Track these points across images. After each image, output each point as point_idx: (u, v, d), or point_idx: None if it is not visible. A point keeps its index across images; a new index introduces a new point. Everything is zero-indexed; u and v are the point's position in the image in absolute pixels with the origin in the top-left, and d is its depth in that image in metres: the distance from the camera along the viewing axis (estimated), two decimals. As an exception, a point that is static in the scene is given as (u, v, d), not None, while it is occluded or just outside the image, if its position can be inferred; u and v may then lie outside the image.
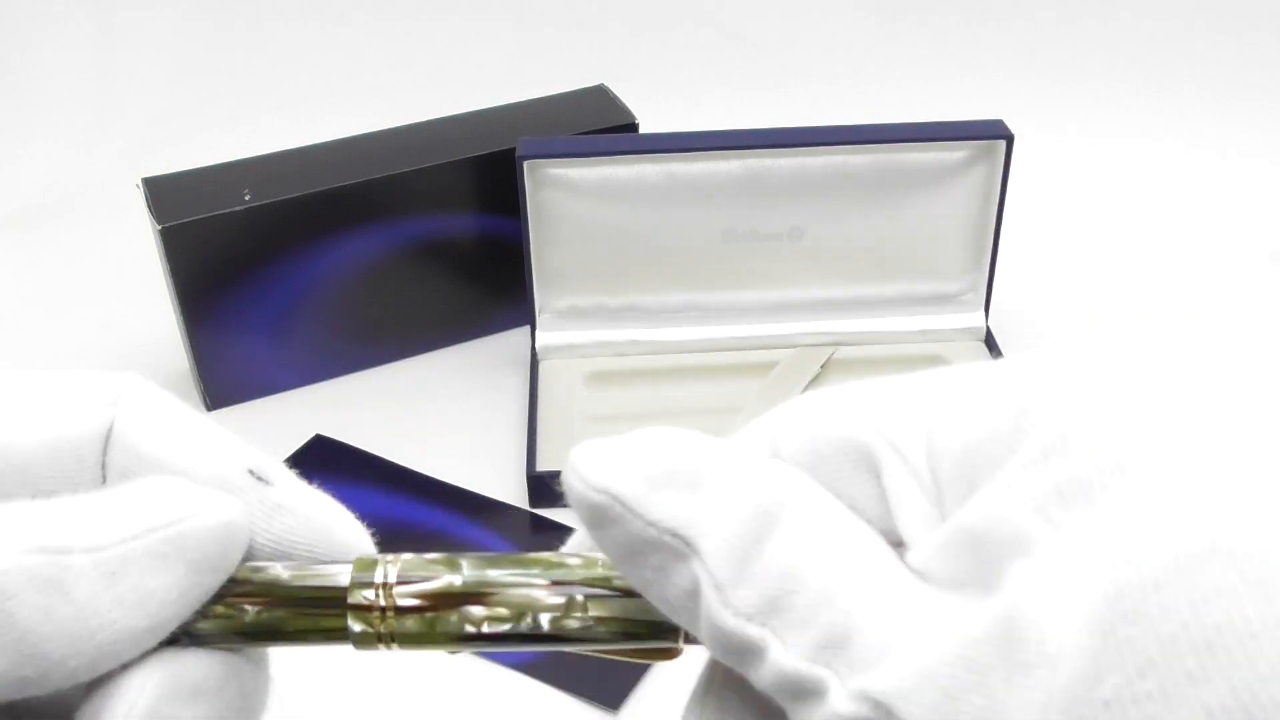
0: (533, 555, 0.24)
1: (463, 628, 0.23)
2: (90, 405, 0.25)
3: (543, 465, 0.60)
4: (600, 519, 0.21)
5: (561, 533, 0.58)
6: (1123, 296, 0.75)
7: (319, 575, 0.24)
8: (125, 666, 0.22)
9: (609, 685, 0.51)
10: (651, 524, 0.21)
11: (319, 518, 0.25)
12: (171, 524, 0.23)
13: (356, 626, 0.23)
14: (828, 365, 0.66)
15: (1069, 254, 0.78)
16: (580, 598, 0.23)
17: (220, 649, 0.24)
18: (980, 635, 0.18)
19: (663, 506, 0.21)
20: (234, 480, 0.25)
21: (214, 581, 0.23)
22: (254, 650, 0.26)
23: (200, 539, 0.23)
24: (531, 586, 0.23)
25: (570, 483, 0.22)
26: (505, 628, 0.23)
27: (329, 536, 0.25)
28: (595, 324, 0.67)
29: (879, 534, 0.21)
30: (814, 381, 0.65)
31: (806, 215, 0.65)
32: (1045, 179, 0.82)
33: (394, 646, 0.24)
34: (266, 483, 0.25)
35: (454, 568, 0.24)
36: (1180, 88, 0.95)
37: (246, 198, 0.62)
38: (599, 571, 0.23)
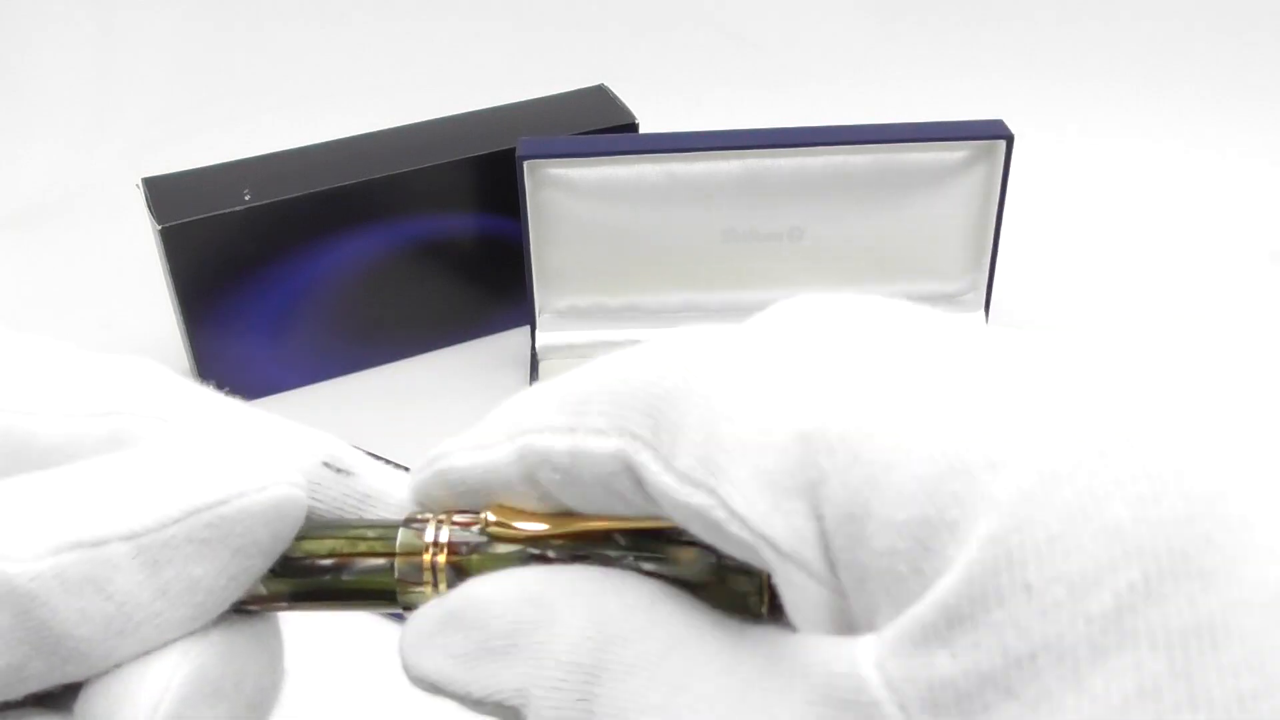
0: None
1: (526, 551, 0.22)
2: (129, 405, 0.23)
3: (543, 465, 0.60)
4: (435, 695, 0.21)
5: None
6: (1122, 296, 0.75)
7: (365, 530, 0.23)
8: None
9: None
10: (476, 702, 0.20)
11: (411, 507, 0.23)
12: (217, 504, 0.21)
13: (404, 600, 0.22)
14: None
15: (1069, 254, 0.78)
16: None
17: (248, 622, 0.22)
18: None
19: (479, 682, 0.20)
20: (310, 477, 0.23)
21: (264, 564, 0.22)
22: (272, 642, 0.24)
23: (249, 522, 0.21)
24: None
25: (403, 667, 0.22)
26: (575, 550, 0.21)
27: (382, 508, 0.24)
28: (595, 324, 0.67)
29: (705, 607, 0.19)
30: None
31: (806, 215, 0.65)
32: (1045, 179, 0.82)
33: (443, 572, 0.22)
34: (347, 473, 0.23)
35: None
36: (1180, 88, 0.95)
37: (246, 198, 0.62)
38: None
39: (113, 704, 0.20)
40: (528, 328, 0.68)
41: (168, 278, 0.62)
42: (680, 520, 0.19)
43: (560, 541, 0.21)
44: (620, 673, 0.18)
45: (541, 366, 0.67)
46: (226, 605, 0.21)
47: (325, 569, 0.22)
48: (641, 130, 0.68)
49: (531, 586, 0.20)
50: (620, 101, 0.70)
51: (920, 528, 0.16)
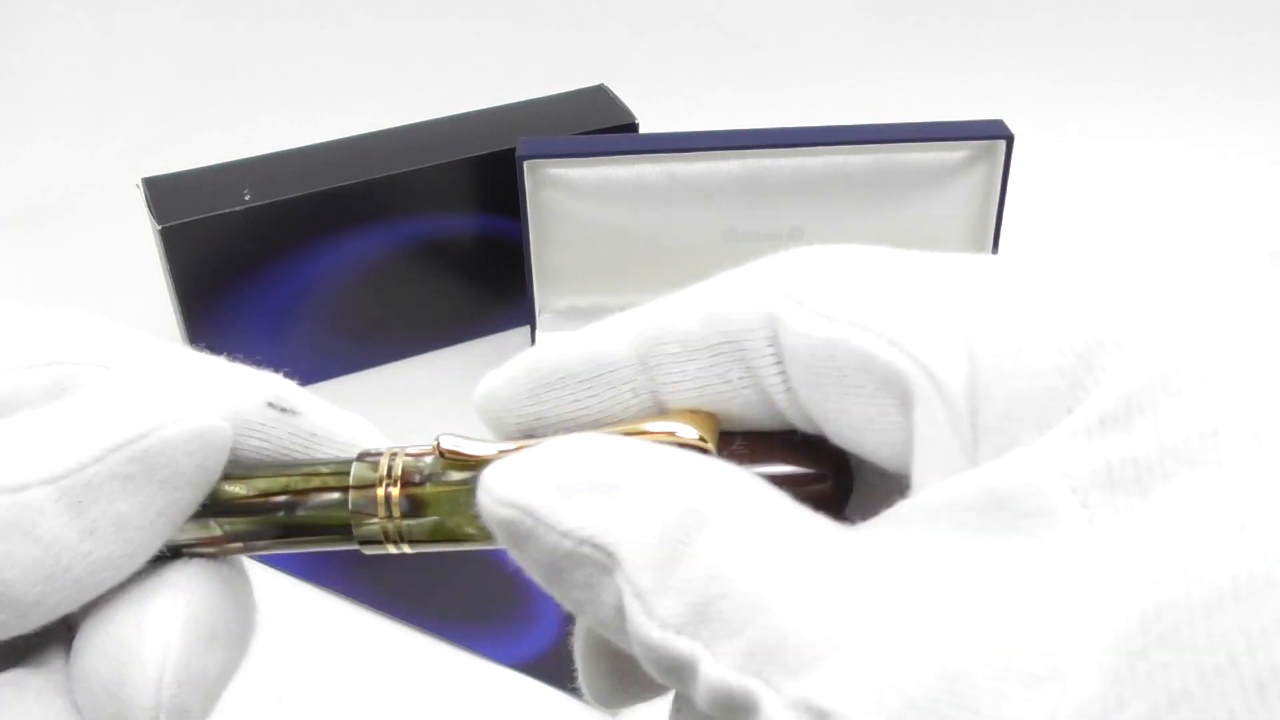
0: None
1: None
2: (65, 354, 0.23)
3: (543, 465, 0.60)
4: (515, 536, 0.19)
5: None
6: (1123, 296, 0.75)
7: (318, 466, 0.23)
8: (121, 596, 0.21)
9: (609, 685, 0.51)
10: (567, 535, 0.19)
11: (359, 439, 0.24)
12: (136, 439, 0.21)
13: (359, 500, 0.22)
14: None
15: (1069, 254, 0.78)
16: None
17: (215, 560, 0.23)
18: (970, 641, 0.15)
19: (577, 515, 0.19)
20: (254, 417, 0.23)
21: (193, 496, 0.22)
22: (243, 583, 0.24)
23: (170, 454, 0.21)
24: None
25: (480, 501, 0.20)
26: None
27: (329, 445, 0.24)
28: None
29: (829, 518, 0.18)
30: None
31: (806, 215, 0.65)
32: (1045, 179, 0.82)
33: (404, 541, 0.22)
34: (292, 412, 0.23)
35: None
36: (1180, 88, 0.95)
37: (246, 198, 0.62)
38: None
39: (115, 666, 0.21)
40: (528, 328, 0.68)
41: (168, 278, 0.62)
42: (824, 359, 0.19)
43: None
44: (723, 526, 0.18)
45: (541, 366, 0.67)
46: (160, 541, 0.21)
47: (279, 505, 0.22)
48: (641, 130, 0.68)
49: (640, 445, 0.20)
50: (620, 101, 0.70)
51: (1085, 346, 0.17)
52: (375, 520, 0.22)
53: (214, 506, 0.22)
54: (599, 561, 0.19)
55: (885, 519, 0.18)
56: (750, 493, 0.18)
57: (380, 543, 0.22)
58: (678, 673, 0.18)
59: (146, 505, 0.21)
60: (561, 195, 0.64)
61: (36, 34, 0.93)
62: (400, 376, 0.69)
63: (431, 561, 0.57)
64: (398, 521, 0.22)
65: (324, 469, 0.23)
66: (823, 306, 0.19)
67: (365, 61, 0.98)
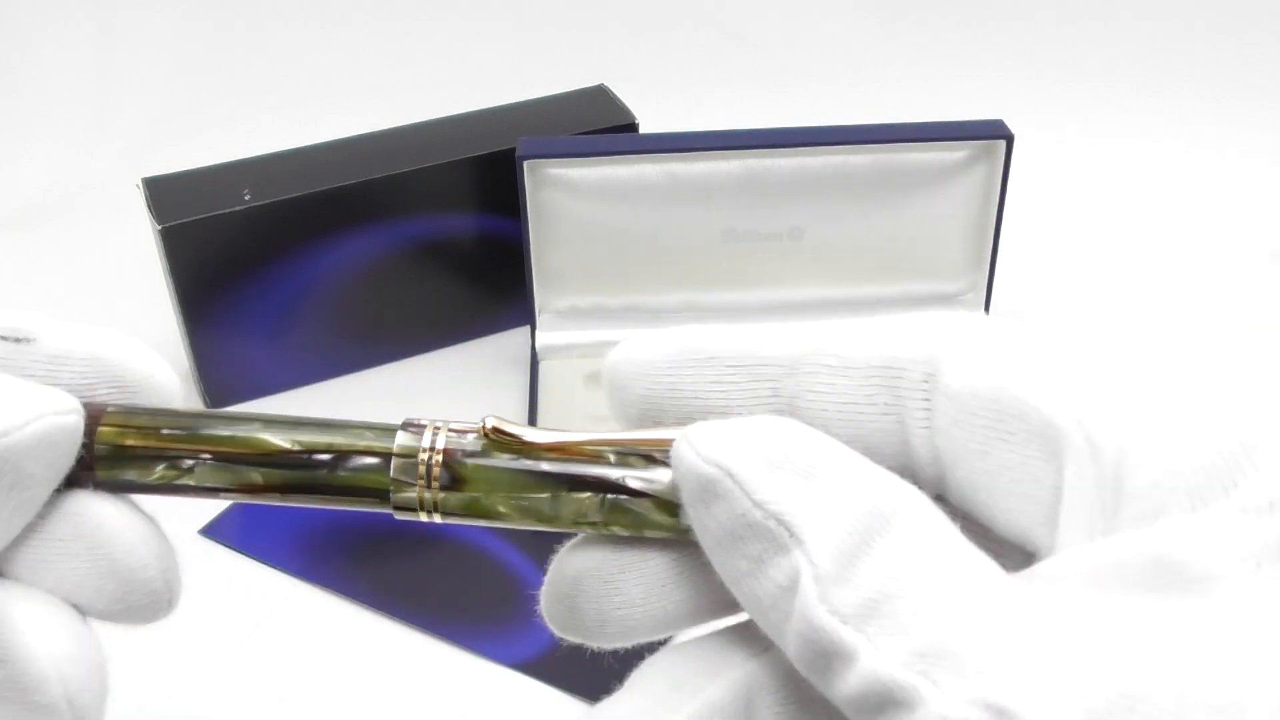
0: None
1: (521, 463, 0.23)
2: None
3: (543, 465, 0.60)
4: (707, 493, 0.20)
5: (565, 534, 0.58)
6: (1123, 296, 0.75)
7: (363, 429, 0.24)
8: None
9: (609, 685, 0.51)
10: (759, 504, 0.20)
11: (106, 354, 0.24)
12: None
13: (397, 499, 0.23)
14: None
15: (1069, 254, 0.78)
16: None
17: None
18: (1149, 670, 0.16)
19: (774, 488, 0.20)
20: None
21: (45, 491, 0.23)
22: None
23: (15, 461, 0.21)
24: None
25: (680, 453, 0.21)
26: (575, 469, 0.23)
27: (125, 372, 0.24)
28: (595, 324, 0.67)
29: (985, 550, 0.19)
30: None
31: (807, 215, 0.65)
32: (1045, 179, 0.82)
33: (437, 511, 0.23)
34: (29, 340, 0.23)
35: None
36: (1180, 88, 0.95)
37: (246, 198, 0.62)
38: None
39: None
40: (528, 328, 0.68)
41: (168, 278, 0.62)
42: (986, 401, 0.21)
43: (556, 455, 0.23)
44: (905, 533, 0.19)
45: (541, 366, 0.67)
46: (13, 535, 0.22)
47: (322, 464, 0.23)
48: (641, 130, 0.68)
49: (836, 442, 0.21)
50: (620, 101, 0.70)
51: (1248, 437, 0.19)
52: (414, 489, 0.23)
53: (254, 456, 0.23)
54: (779, 539, 0.19)
55: (1036, 573, 0.19)
56: (930, 512, 0.20)
57: (414, 510, 0.23)
58: (827, 661, 0.19)
59: None
60: (561, 195, 0.64)
61: (36, 34, 0.93)
62: (400, 376, 0.69)
63: (431, 562, 0.57)
64: (435, 493, 0.23)
65: (369, 433, 0.23)
66: (988, 356, 0.21)
67: (365, 61, 0.98)
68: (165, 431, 0.24)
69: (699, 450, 0.21)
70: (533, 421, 0.62)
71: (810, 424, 0.22)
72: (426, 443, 0.23)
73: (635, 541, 0.23)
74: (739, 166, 0.63)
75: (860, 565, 0.19)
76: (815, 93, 0.96)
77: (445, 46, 0.99)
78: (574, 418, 0.64)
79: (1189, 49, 0.99)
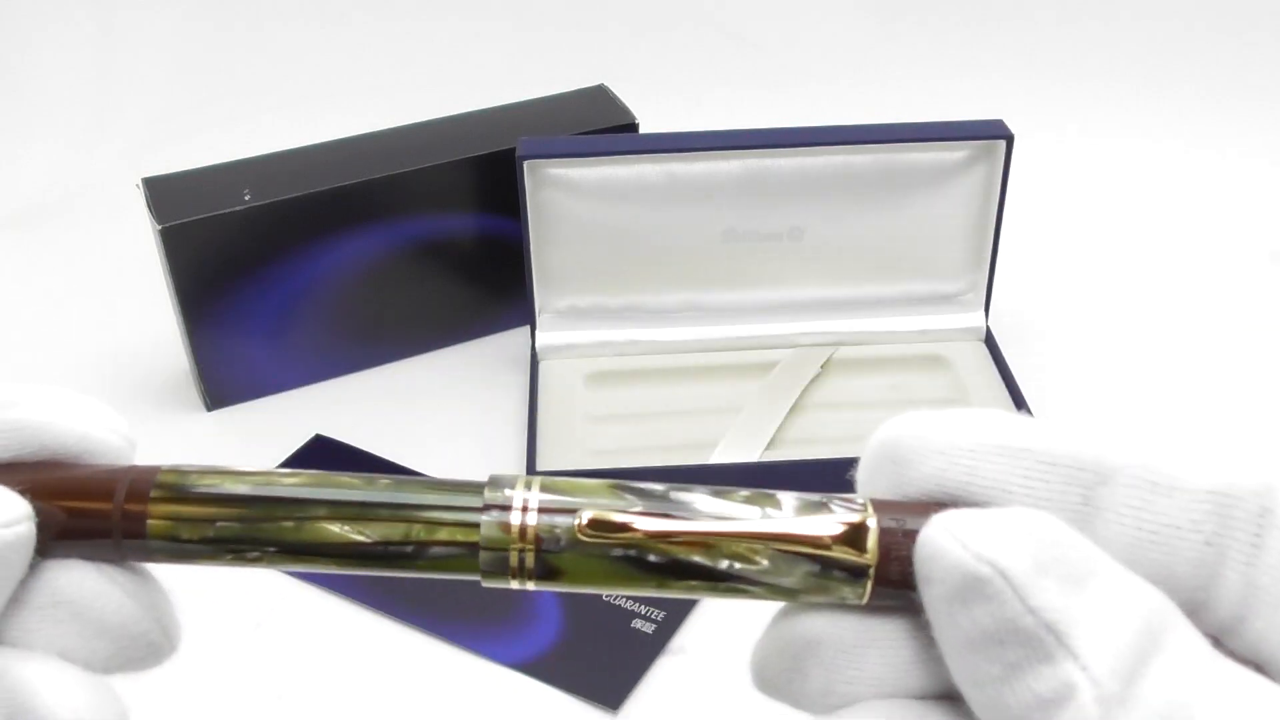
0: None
1: (636, 553, 0.21)
2: None
3: (542, 465, 0.60)
4: (971, 592, 0.19)
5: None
6: (1123, 296, 0.75)
7: (439, 510, 0.22)
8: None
9: (609, 685, 0.51)
10: (1033, 610, 0.18)
11: (29, 421, 0.22)
12: None
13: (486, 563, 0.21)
14: (828, 365, 0.66)
15: (1069, 254, 0.78)
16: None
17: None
18: None
19: (1049, 595, 0.18)
20: None
21: (3, 589, 0.21)
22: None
23: None
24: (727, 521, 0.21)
25: (942, 545, 0.19)
26: (689, 560, 0.21)
27: (54, 440, 0.22)
28: (595, 324, 0.67)
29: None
30: (814, 382, 0.65)
31: (807, 215, 0.65)
32: (1045, 179, 0.82)
33: (531, 574, 0.21)
34: None
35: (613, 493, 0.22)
36: (1180, 88, 0.95)
37: (246, 198, 0.62)
38: (789, 509, 0.21)
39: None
40: (528, 328, 0.68)
41: (168, 278, 0.62)
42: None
43: (664, 545, 0.21)
44: (1178, 651, 0.18)
45: (541, 366, 0.67)
46: None
47: (402, 555, 0.22)
48: (641, 130, 0.68)
49: (1093, 545, 0.20)
50: (620, 101, 0.70)
51: None
52: (505, 577, 0.22)
53: (326, 548, 0.22)
54: (1046, 649, 0.18)
55: None
56: (1193, 630, 0.19)
57: (505, 583, 0.22)
58: None
59: None
60: (561, 195, 0.64)
61: (36, 34, 0.93)
62: (400, 376, 0.69)
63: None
64: (529, 580, 0.22)
65: (448, 515, 0.22)
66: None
67: (365, 61, 0.98)
68: (221, 524, 0.22)
69: (968, 544, 0.19)
70: (532, 422, 0.63)
71: (1111, 542, 0.21)
72: (516, 523, 0.21)
73: (881, 612, 0.22)
74: (739, 166, 0.63)
75: (1140, 686, 0.18)
76: (815, 93, 0.96)
77: (445, 46, 0.99)
78: (574, 418, 0.64)
79: (1189, 49, 0.99)
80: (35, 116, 0.91)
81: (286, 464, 0.62)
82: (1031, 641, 0.18)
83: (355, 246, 0.65)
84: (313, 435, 0.64)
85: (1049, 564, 0.19)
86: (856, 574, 0.21)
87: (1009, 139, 0.62)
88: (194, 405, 0.66)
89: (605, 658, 0.52)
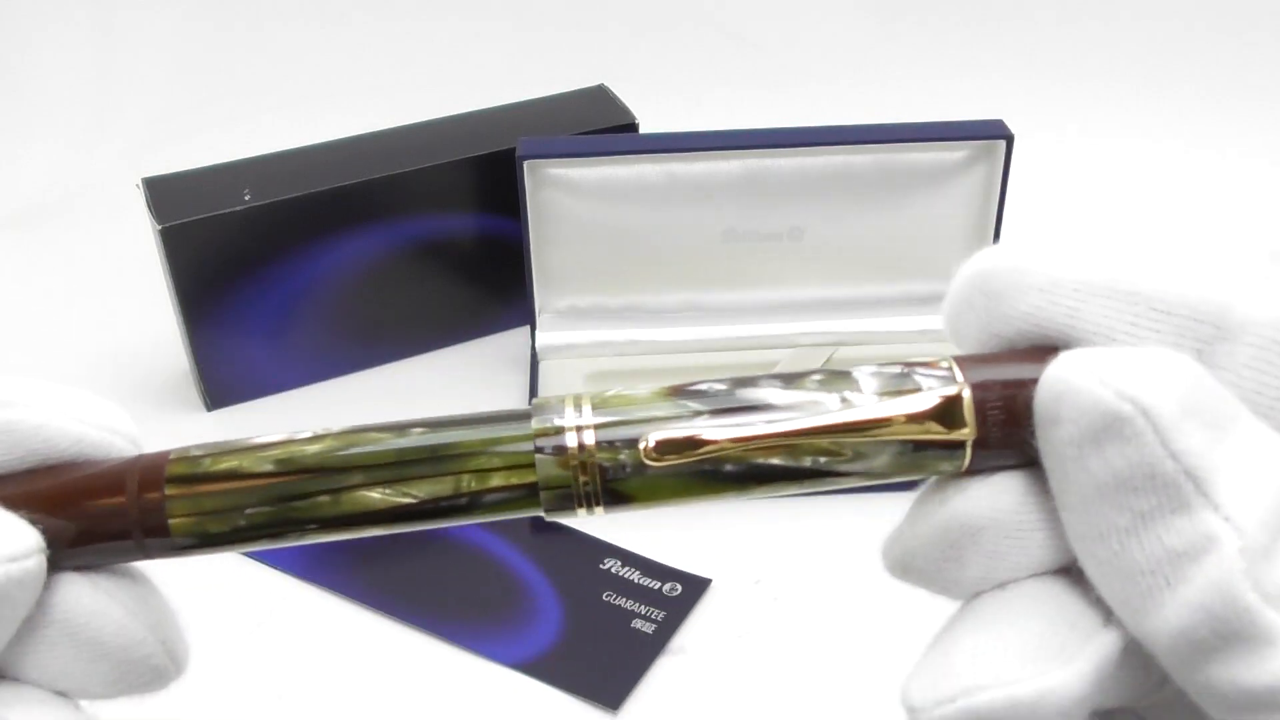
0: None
1: (719, 466, 0.20)
2: None
3: (543, 465, 0.60)
4: (1109, 432, 0.17)
5: (562, 534, 0.58)
6: (1123, 296, 0.75)
7: (489, 453, 0.20)
8: None
9: (609, 685, 0.51)
10: (1174, 455, 0.17)
11: (23, 421, 0.21)
12: None
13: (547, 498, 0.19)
14: (828, 365, 0.66)
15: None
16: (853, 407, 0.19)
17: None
18: None
19: (1194, 439, 0.17)
20: None
21: (11, 628, 0.20)
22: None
23: None
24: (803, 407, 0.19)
25: (1077, 383, 0.17)
26: (767, 461, 0.19)
27: (47, 444, 0.21)
28: (595, 324, 0.67)
29: None
30: (814, 381, 0.65)
31: (807, 215, 0.65)
32: (1045, 179, 0.82)
33: (599, 505, 0.20)
34: None
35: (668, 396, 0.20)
36: (1180, 88, 0.95)
37: (246, 198, 0.62)
38: (872, 381, 0.20)
39: None
40: (528, 328, 0.68)
41: (168, 278, 0.62)
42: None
43: (740, 454, 0.20)
44: None
45: (541, 367, 0.67)
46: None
47: (456, 508, 0.20)
48: (641, 130, 0.68)
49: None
50: (620, 101, 0.70)
51: None
52: (570, 511, 0.20)
53: (371, 516, 0.20)
54: (1184, 497, 0.17)
55: None
56: None
57: (569, 512, 0.20)
58: (1229, 643, 0.17)
59: None
60: (561, 195, 0.64)
61: (36, 34, 0.93)
62: (400, 376, 0.69)
63: (431, 562, 0.57)
64: (596, 508, 0.20)
65: (497, 461, 0.20)
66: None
67: (365, 61, 0.98)
68: (251, 511, 0.20)
69: (1107, 381, 0.17)
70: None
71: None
72: (575, 457, 0.20)
73: (1038, 490, 0.19)
74: (739, 166, 0.63)
75: None
76: (815, 93, 0.96)
77: (445, 46, 0.99)
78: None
79: (1189, 49, 0.99)
80: (35, 116, 0.91)
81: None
82: (1169, 489, 0.17)
83: (355, 246, 0.65)
84: (313, 435, 0.64)
85: (1194, 408, 0.17)
86: (953, 447, 0.20)
87: (1009, 139, 0.62)
88: (194, 405, 0.66)
89: (605, 658, 0.52)
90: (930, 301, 0.68)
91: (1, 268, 0.79)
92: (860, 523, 0.58)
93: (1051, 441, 0.18)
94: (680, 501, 0.20)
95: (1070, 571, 0.19)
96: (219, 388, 0.66)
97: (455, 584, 0.56)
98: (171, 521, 0.20)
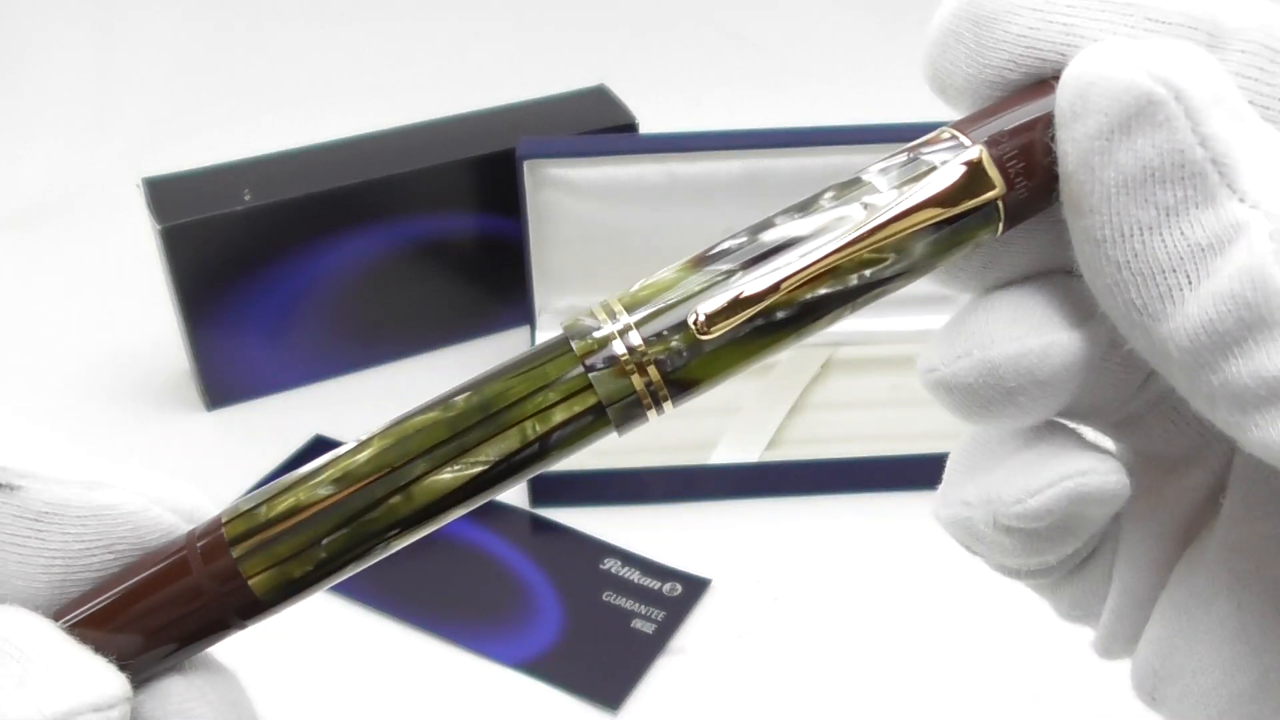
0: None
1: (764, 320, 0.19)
2: None
3: (543, 465, 0.60)
4: (1141, 117, 0.17)
5: (563, 534, 0.58)
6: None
7: (542, 394, 0.19)
8: None
9: (609, 685, 0.51)
10: (1204, 140, 0.17)
11: (114, 507, 0.19)
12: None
13: (609, 387, 0.18)
14: (828, 365, 0.66)
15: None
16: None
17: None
18: None
19: (1224, 124, 0.17)
20: None
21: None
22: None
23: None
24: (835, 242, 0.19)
25: (1107, 71, 0.17)
26: (823, 290, 0.19)
27: (135, 532, 0.19)
28: (595, 324, 0.67)
29: None
30: (814, 382, 0.65)
31: (806, 215, 0.65)
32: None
33: (667, 399, 0.19)
34: (10, 487, 0.18)
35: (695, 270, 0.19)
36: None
37: (246, 198, 0.62)
38: (889, 190, 0.19)
39: None
40: (528, 328, 0.68)
41: (168, 278, 0.62)
42: None
43: (787, 296, 0.19)
44: None
45: (541, 366, 0.67)
46: None
47: (529, 458, 0.19)
48: (641, 130, 0.68)
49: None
50: (620, 101, 0.70)
51: None
52: (642, 417, 0.19)
53: (450, 498, 0.19)
54: (1209, 187, 0.17)
55: None
56: None
57: (642, 419, 0.20)
58: (1260, 330, 0.16)
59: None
60: (561, 195, 0.64)
61: (36, 34, 0.93)
62: (400, 376, 0.69)
63: (431, 562, 0.57)
64: (665, 403, 0.19)
65: (554, 396, 0.19)
66: None
67: (365, 61, 0.98)
68: (328, 540, 0.19)
69: (1141, 63, 0.17)
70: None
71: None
72: (627, 362, 0.19)
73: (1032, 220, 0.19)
74: (739, 166, 0.63)
75: None
76: (815, 93, 0.96)
77: (445, 46, 0.99)
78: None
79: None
80: (35, 116, 0.91)
81: (287, 466, 0.62)
82: (1195, 178, 0.17)
83: (355, 246, 0.65)
84: (313, 435, 0.64)
85: (1220, 96, 0.17)
86: (986, 210, 0.19)
87: (1009, 139, 0.62)
88: (194, 405, 0.66)
89: (605, 658, 0.52)
90: (930, 302, 0.68)
91: (1, 268, 0.79)
92: (860, 523, 0.59)
93: (1076, 139, 0.18)
94: (745, 365, 0.20)
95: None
96: (219, 388, 0.66)
97: (455, 584, 0.56)
98: (251, 582, 0.19)
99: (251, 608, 0.20)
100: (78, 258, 0.79)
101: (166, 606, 0.19)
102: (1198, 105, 0.17)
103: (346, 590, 0.55)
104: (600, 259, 0.66)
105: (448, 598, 0.55)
